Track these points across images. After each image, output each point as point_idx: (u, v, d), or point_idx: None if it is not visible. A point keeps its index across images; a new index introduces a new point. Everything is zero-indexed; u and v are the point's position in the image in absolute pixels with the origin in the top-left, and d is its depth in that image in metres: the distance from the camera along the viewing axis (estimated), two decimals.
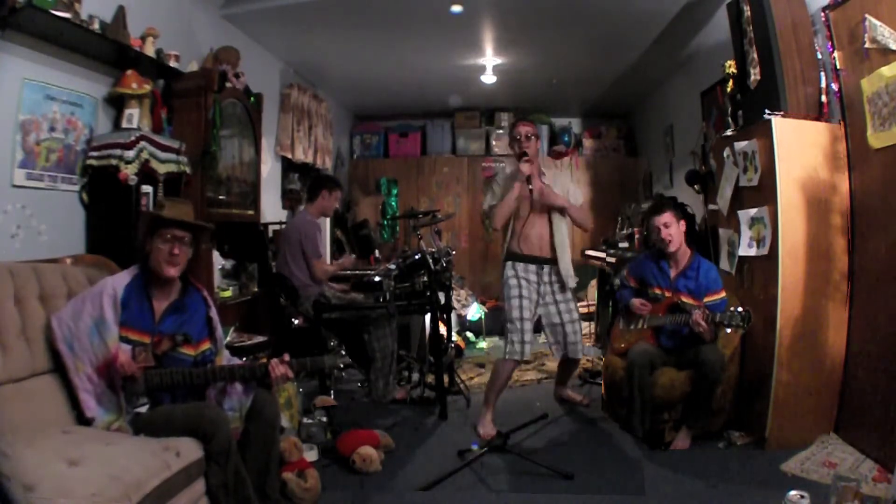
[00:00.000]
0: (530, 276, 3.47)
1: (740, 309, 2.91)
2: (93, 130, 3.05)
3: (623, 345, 3.37)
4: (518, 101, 7.24)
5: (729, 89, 3.59)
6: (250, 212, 4.25)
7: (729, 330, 3.02)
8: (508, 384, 4.36)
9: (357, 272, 4.86)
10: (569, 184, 3.72)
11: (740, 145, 3.24)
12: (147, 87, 3.17)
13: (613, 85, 6.34)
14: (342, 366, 2.37)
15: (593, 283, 6.16)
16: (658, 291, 3.29)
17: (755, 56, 3.21)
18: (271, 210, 5.11)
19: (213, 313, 2.50)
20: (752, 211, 3.18)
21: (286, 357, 2.31)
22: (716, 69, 3.80)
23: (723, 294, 3.18)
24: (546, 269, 3.49)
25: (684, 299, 3.19)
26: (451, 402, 3.80)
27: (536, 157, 3.48)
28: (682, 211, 3.37)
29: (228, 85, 3.81)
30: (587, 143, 7.62)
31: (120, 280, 2.28)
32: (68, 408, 2.16)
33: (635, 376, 3.05)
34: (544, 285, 3.49)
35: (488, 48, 5.22)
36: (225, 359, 2.51)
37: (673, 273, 3.28)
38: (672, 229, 3.23)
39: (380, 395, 3.73)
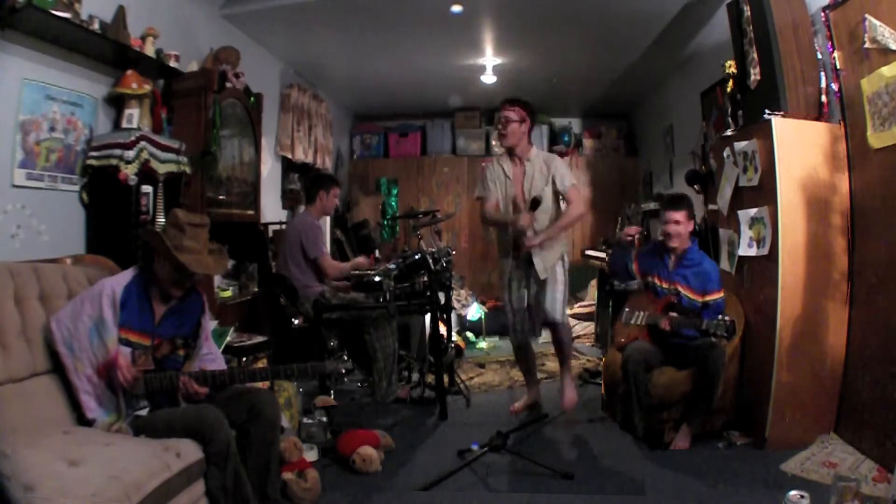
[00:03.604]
0: (520, 264, 3.61)
1: (727, 318, 2.92)
2: (93, 130, 3.06)
3: (623, 339, 3.38)
4: None
5: (729, 89, 3.59)
6: (250, 212, 4.25)
7: (714, 339, 3.01)
8: (509, 385, 4.39)
9: (357, 272, 4.86)
10: (561, 167, 3.60)
11: (740, 145, 3.24)
12: (147, 87, 3.17)
13: (613, 85, 6.34)
14: (344, 371, 2.36)
15: (593, 283, 6.16)
16: (658, 282, 3.30)
17: (755, 56, 3.21)
18: (271, 210, 5.11)
19: (206, 320, 2.48)
20: (752, 211, 3.18)
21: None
22: (716, 69, 3.79)
23: (721, 294, 3.18)
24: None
25: (680, 289, 3.20)
26: (451, 402, 3.80)
27: (521, 140, 3.58)
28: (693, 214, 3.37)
29: (228, 85, 3.81)
30: (587, 143, 7.62)
31: (119, 281, 2.27)
32: (68, 408, 2.16)
33: (630, 372, 3.05)
34: (533, 268, 3.59)
35: (488, 48, 5.23)
36: (217, 361, 2.51)
37: (671, 263, 3.29)
38: (681, 227, 3.23)
39: (383, 396, 3.73)
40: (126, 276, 2.31)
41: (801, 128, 3.00)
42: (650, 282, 3.34)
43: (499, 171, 3.65)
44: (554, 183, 3.55)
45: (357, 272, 4.08)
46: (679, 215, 3.23)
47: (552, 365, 4.98)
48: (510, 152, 3.63)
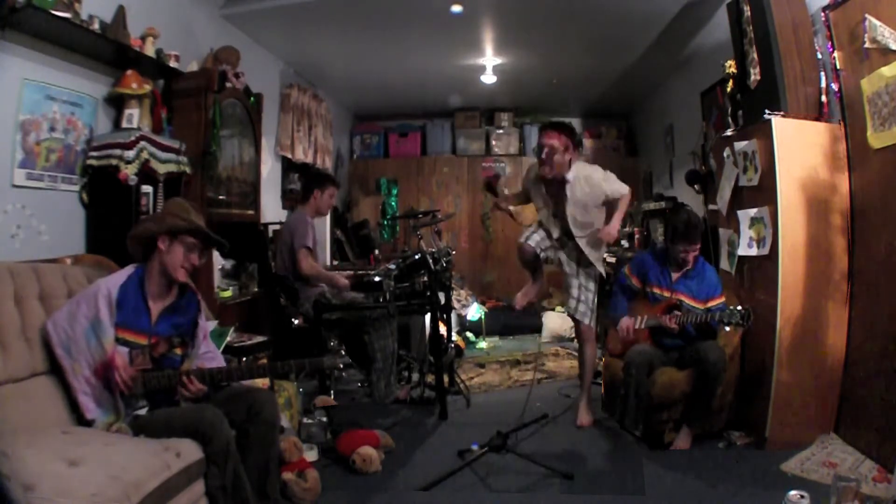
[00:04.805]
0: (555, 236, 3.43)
1: (740, 308, 2.90)
2: (93, 130, 3.06)
3: (619, 346, 3.37)
4: (518, 101, 7.25)
5: (729, 89, 3.59)
6: (250, 212, 4.26)
7: (728, 328, 3.01)
8: (509, 385, 4.38)
9: (357, 272, 4.85)
10: (604, 182, 3.30)
11: (740, 145, 3.24)
12: (147, 87, 3.17)
13: (613, 85, 6.34)
14: (342, 366, 2.36)
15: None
16: (658, 291, 3.29)
17: (755, 56, 3.21)
18: (271, 210, 5.11)
19: (202, 319, 2.48)
20: (752, 211, 3.18)
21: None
22: (716, 69, 3.80)
23: (723, 299, 3.19)
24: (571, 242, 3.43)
25: (683, 299, 3.19)
26: (451, 402, 3.80)
27: (563, 170, 3.23)
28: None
29: (228, 85, 3.81)
30: (587, 143, 7.61)
31: (114, 280, 2.26)
32: (68, 408, 2.16)
33: (632, 377, 3.04)
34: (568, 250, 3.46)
35: (488, 48, 5.23)
36: (217, 360, 2.51)
37: (675, 275, 3.28)
38: (695, 254, 3.23)
39: (382, 396, 3.73)
40: (122, 275, 2.30)
41: (801, 128, 3.00)
42: (649, 291, 3.32)
43: (539, 187, 3.41)
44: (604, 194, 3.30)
45: (333, 285, 3.92)
46: (695, 249, 3.20)
47: (552, 365, 4.99)
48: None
